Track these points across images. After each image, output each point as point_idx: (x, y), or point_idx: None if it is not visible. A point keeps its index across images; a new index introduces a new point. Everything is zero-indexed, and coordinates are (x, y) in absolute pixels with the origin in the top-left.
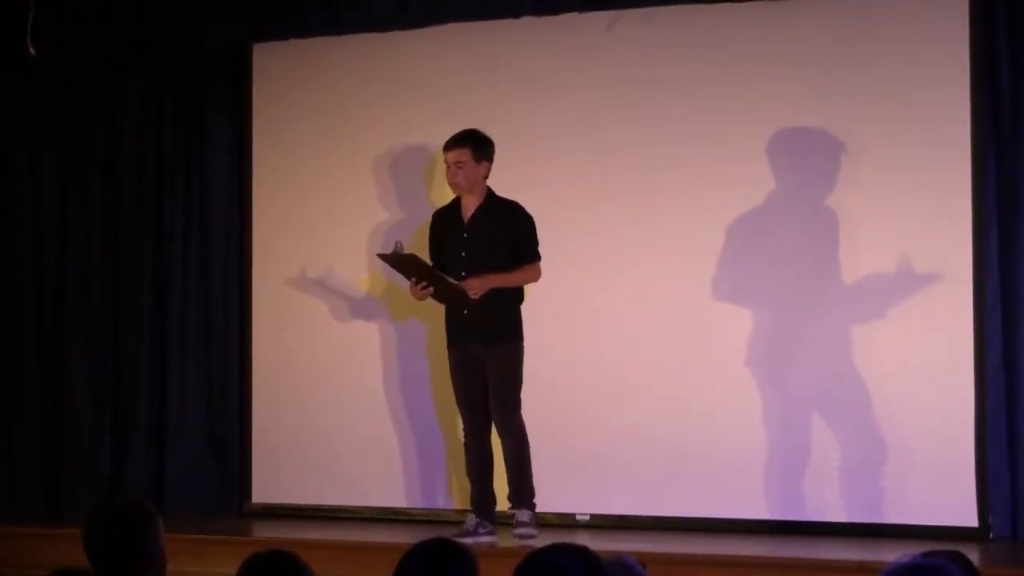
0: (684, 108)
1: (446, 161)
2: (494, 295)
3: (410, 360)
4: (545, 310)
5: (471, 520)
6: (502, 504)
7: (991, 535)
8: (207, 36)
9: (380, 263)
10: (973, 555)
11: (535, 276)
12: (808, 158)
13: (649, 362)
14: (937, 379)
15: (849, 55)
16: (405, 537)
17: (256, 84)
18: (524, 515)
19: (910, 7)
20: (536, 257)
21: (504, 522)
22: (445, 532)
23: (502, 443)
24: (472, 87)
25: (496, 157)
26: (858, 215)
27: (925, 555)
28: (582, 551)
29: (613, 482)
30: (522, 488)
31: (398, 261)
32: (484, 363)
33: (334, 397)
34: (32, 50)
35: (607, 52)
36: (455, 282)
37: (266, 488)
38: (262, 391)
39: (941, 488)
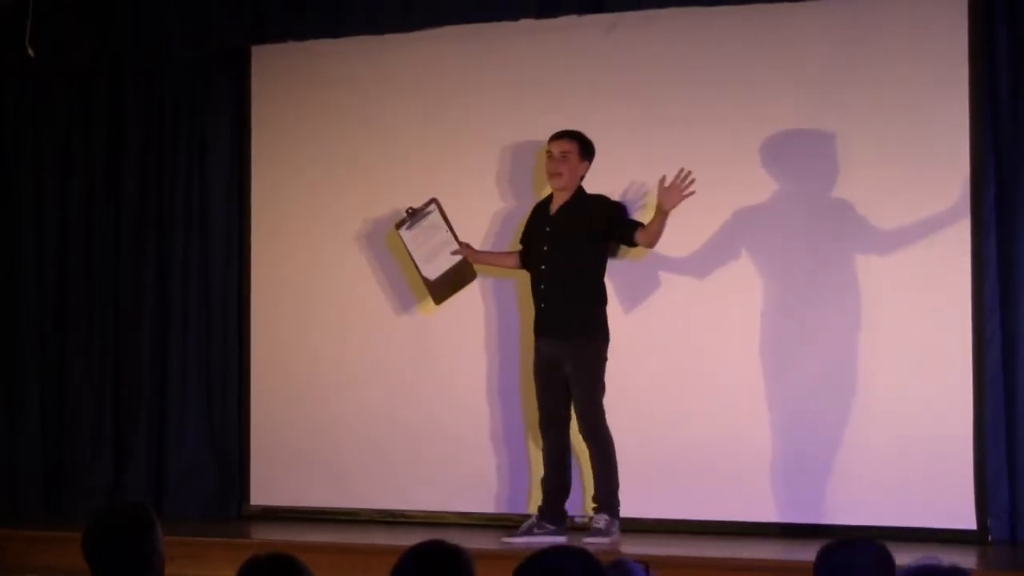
0: (683, 110)
1: (549, 151)
2: (571, 291)
3: (410, 360)
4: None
5: (531, 519)
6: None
7: (989, 538)
8: (208, 38)
9: (376, 266)
10: (971, 559)
11: (652, 237)
12: (807, 159)
13: (650, 365)
14: (936, 381)
15: (848, 56)
16: (405, 540)
17: (255, 85)
18: (600, 520)
19: (909, 7)
20: (639, 223)
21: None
22: (444, 534)
23: (588, 450)
24: (471, 90)
25: (494, 160)
26: (856, 217)
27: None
28: (583, 554)
29: None
30: (602, 494)
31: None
32: (563, 362)
33: (333, 399)
34: (31, 52)
35: (606, 55)
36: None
37: (265, 490)
38: (261, 393)
39: (940, 491)
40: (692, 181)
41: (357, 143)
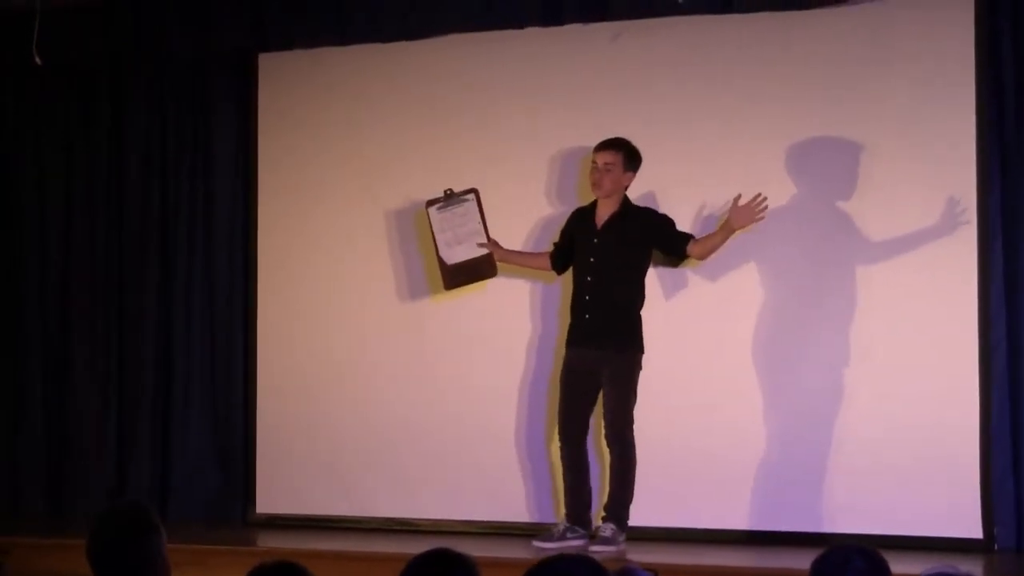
0: (689, 117)
1: (594, 162)
2: (617, 302)
3: (420, 366)
4: (549, 321)
5: (561, 524)
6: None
7: (996, 546)
8: (208, 39)
9: (386, 268)
10: (978, 567)
11: (708, 250)
12: (812, 162)
13: (655, 373)
14: (941, 388)
15: (854, 63)
16: (411, 548)
17: (261, 91)
18: (607, 529)
19: (916, 12)
20: (691, 235)
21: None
22: (450, 543)
23: (610, 455)
24: (476, 97)
25: (498, 167)
26: (861, 221)
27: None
28: (590, 561)
29: None
30: (614, 503)
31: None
32: (598, 372)
33: (339, 406)
34: (38, 60)
35: (611, 63)
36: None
37: (271, 498)
38: (266, 400)
39: (945, 499)
40: (766, 208)
41: (362, 140)
